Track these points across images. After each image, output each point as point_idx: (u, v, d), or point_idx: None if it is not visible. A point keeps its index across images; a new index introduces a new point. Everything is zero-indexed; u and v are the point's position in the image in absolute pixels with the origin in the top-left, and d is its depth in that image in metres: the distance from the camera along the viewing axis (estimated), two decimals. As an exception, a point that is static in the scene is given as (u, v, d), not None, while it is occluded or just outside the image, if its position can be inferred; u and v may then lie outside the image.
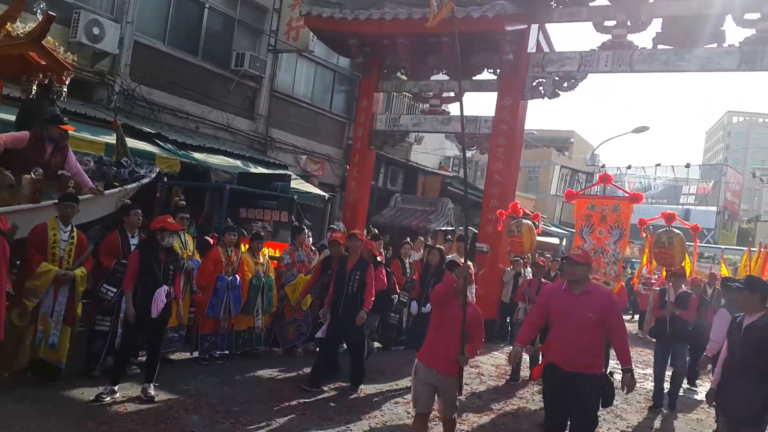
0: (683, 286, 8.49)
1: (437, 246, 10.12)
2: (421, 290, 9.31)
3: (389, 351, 9.84)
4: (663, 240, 8.37)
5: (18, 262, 5.83)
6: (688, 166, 38.44)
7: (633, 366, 4.74)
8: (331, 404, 6.63)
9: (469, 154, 29.98)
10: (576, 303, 4.75)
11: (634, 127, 27.84)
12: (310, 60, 16.73)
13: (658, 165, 40.03)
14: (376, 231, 11.02)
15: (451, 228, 16.23)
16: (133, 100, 12.00)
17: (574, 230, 9.11)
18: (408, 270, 10.21)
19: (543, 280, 9.63)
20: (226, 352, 7.91)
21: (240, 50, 14.30)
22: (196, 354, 7.71)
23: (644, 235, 9.92)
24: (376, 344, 9.91)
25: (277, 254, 9.41)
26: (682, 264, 9.07)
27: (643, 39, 39.83)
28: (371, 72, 13.98)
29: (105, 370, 6.31)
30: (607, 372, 8.47)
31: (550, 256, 16.29)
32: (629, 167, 39.71)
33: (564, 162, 34.79)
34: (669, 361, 8.34)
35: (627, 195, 8.45)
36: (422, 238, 13.03)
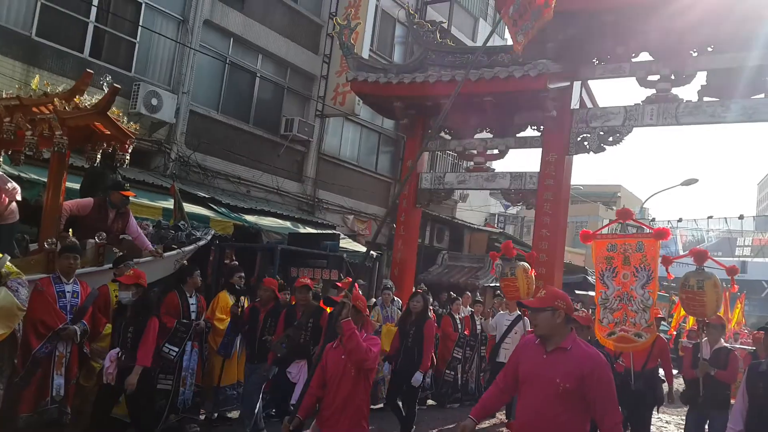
0: (721, 340, 7.14)
1: (419, 291, 8.67)
2: (400, 343, 7.71)
3: (443, 408, 9.73)
4: (691, 284, 6.89)
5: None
6: (741, 217, 37.33)
7: None
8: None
9: (514, 210, 29.96)
10: (545, 364, 3.57)
11: (683, 179, 27.41)
12: (356, 123, 17.21)
13: (710, 217, 39.08)
14: (425, 288, 11.04)
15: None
16: (188, 166, 12.51)
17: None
18: (459, 326, 10.17)
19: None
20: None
21: (289, 116, 14.84)
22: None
23: (672, 277, 8.56)
24: (430, 401, 9.81)
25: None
26: (719, 313, 7.77)
27: (687, 92, 39.73)
28: (416, 132, 14.25)
29: (167, 428, 6.47)
30: None
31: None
32: (680, 220, 38.83)
33: (612, 216, 34.30)
34: None
35: (651, 231, 7.56)
36: (470, 294, 12.96)
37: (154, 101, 11.47)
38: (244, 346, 7.43)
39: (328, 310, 6.53)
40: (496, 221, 28.00)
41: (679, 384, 8.81)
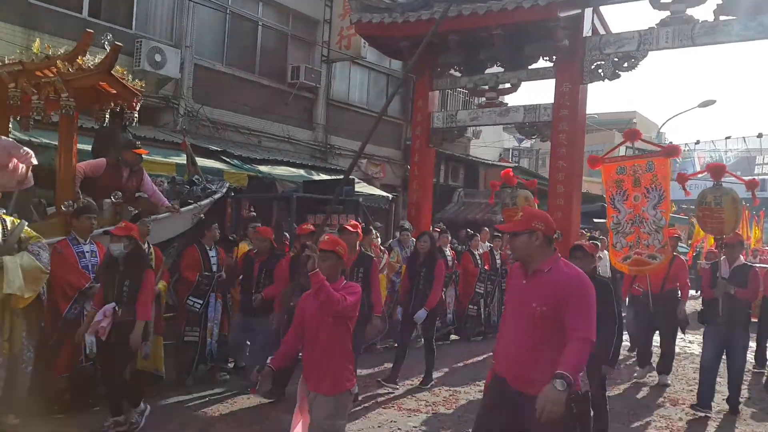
0: (741, 258, 6.92)
1: (428, 231, 8.51)
2: (410, 285, 7.42)
3: (468, 342, 9.89)
4: (708, 200, 6.58)
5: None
6: (760, 135, 36.72)
7: (572, 379, 2.98)
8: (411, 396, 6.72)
9: (528, 143, 29.65)
10: (524, 289, 3.37)
11: (700, 101, 26.84)
12: (363, 66, 16.94)
13: (728, 138, 38.48)
14: (444, 226, 11.06)
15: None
16: (197, 120, 12.45)
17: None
18: (479, 261, 10.22)
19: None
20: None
21: (295, 63, 14.62)
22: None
23: (690, 194, 8.12)
24: (454, 336, 9.97)
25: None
26: (738, 231, 7.56)
27: (703, 12, 38.43)
28: (424, 72, 13.98)
29: (198, 378, 6.67)
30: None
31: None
32: (698, 142, 38.35)
33: (628, 144, 33.80)
34: (723, 354, 6.76)
35: (660, 149, 7.32)
36: (487, 229, 12.97)
37: (158, 57, 11.34)
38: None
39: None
40: (510, 156, 27.78)
41: (698, 304, 8.90)
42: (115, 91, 6.43)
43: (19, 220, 5.30)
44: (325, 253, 3.82)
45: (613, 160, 7.64)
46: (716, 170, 6.69)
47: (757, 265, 13.48)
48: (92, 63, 6.11)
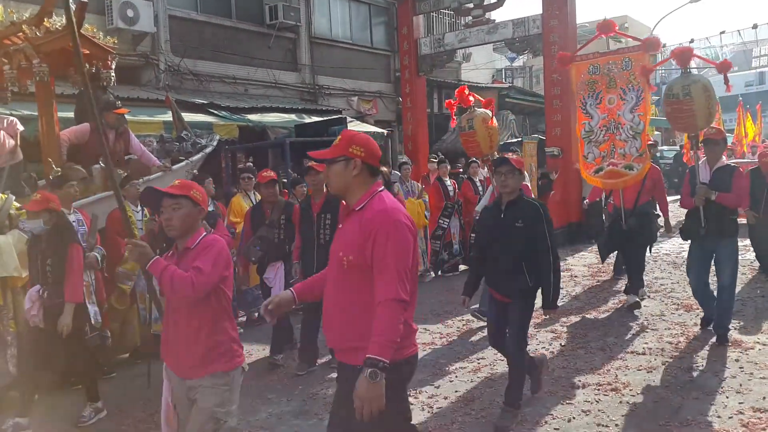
0: (723, 158, 5.86)
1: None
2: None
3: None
4: (676, 92, 5.59)
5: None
6: (755, 26, 35.82)
7: (385, 360, 2.37)
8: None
9: (521, 61, 29.04)
10: (338, 235, 2.75)
11: (692, -3, 26.03)
12: (343, -2, 16.36)
13: (723, 32, 37.58)
14: (443, 156, 10.91)
15: (516, 140, 15.84)
16: (180, 74, 12.12)
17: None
18: (480, 188, 10.08)
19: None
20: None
21: (271, 2, 14.10)
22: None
23: (655, 89, 7.33)
24: (462, 267, 9.92)
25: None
26: (716, 125, 6.46)
27: None
28: (406, -4, 13.55)
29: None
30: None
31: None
32: (692, 41, 37.47)
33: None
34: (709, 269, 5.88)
35: (640, 43, 6.30)
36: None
37: (130, 12, 10.93)
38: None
39: None
40: (503, 76, 27.26)
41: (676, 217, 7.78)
42: (87, 52, 6.16)
43: (6, 196, 5.16)
44: (175, 199, 2.94)
45: (584, 58, 6.80)
46: (681, 55, 5.66)
47: (743, 161, 13.02)
48: (60, 24, 5.84)
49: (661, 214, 7.37)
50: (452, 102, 7.28)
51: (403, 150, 14.84)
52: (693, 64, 6.39)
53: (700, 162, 5.78)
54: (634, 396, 4.62)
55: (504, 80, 25.78)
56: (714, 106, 5.63)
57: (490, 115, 6.89)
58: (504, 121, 16.94)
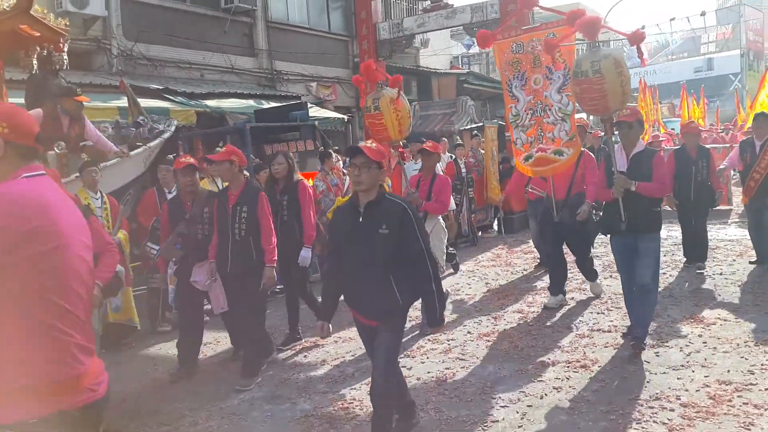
0: (641, 141, 5.20)
1: (282, 151, 6.43)
2: (274, 220, 5.36)
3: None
4: (584, 68, 4.76)
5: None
6: (703, 14, 36.83)
7: None
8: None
9: (476, 48, 29.16)
10: None
11: (643, -17, 26.44)
12: (299, -18, 16.12)
13: (673, 19, 38.46)
14: (405, 142, 10.86)
15: (476, 125, 15.93)
16: (133, 59, 11.77)
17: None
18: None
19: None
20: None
21: (227, -14, 13.79)
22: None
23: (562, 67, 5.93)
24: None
25: (310, 183, 9.34)
26: (631, 105, 6.07)
27: None
28: (364, -20, 13.43)
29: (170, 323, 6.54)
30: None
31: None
32: (643, 27, 38.23)
33: (577, 37, 33.50)
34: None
35: (564, 17, 5.31)
36: (446, 140, 12.82)
37: (80, -5, 10.54)
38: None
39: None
40: (461, 63, 27.36)
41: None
42: (38, 34, 5.92)
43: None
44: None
45: (506, 36, 6.20)
46: (588, 26, 4.81)
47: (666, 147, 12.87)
48: (8, 4, 5.59)
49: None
50: (359, 78, 6.29)
51: (363, 136, 14.75)
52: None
53: (615, 147, 5.19)
54: (603, 372, 4.69)
55: (461, 66, 25.87)
56: (627, 84, 4.84)
57: (397, 95, 5.99)
58: (463, 107, 16.96)
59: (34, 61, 6.29)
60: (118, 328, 6.04)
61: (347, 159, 8.78)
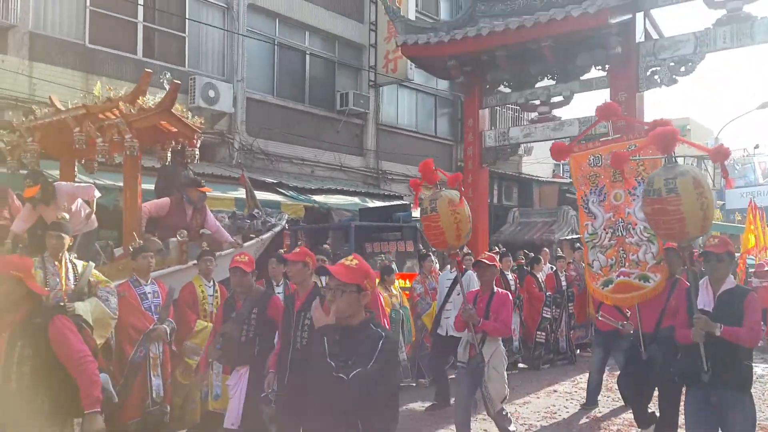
0: (731, 277, 4.40)
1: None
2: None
3: (537, 370, 9.51)
4: (657, 187, 4.16)
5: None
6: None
7: None
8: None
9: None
10: None
11: (759, 104, 25.81)
12: (410, 88, 16.90)
13: (790, 139, 36.94)
14: (504, 249, 10.80)
15: (577, 236, 15.63)
16: (252, 153, 12.56)
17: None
18: (542, 285, 9.88)
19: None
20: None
21: (343, 90, 14.68)
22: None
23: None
24: (521, 365, 9.63)
25: (408, 285, 9.38)
26: (717, 234, 5.31)
27: (761, 8, 37.27)
28: (473, 90, 13.82)
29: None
30: None
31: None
32: (757, 146, 36.97)
33: (684, 151, 32.79)
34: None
35: (647, 127, 4.81)
36: (547, 250, 12.60)
37: (211, 93, 11.49)
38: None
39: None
40: (562, 171, 27.23)
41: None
42: (175, 130, 6.46)
43: (87, 263, 5.30)
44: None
45: (583, 148, 5.77)
46: (662, 138, 4.25)
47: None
48: (152, 102, 6.15)
49: None
50: (418, 181, 5.76)
51: (462, 239, 14.79)
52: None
53: (701, 282, 4.47)
54: None
55: (563, 174, 25.72)
56: (710, 208, 4.21)
57: (459, 197, 5.47)
58: (564, 217, 16.79)
59: (169, 154, 6.84)
60: (216, 416, 6.08)
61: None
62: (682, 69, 11.51)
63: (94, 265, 5.47)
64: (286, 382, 4.55)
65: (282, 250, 7.58)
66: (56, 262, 5.02)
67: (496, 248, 10.94)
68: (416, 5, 15.65)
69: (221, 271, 6.48)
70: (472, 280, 7.20)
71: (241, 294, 5.15)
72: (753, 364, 4.33)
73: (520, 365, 9.66)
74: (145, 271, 5.61)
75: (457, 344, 5.73)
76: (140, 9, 11.27)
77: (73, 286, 5.04)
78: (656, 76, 11.68)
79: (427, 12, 16.87)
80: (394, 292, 8.29)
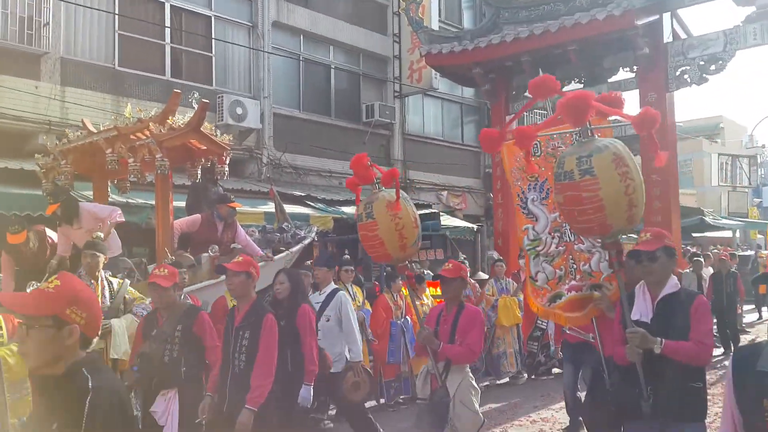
0: (673, 278, 3.53)
1: (284, 268, 6.05)
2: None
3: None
4: (568, 169, 3.34)
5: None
6: None
7: None
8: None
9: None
10: None
11: (793, 97, 25.19)
12: (436, 97, 16.93)
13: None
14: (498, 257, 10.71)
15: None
16: (280, 168, 12.69)
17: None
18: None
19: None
20: (409, 395, 7.90)
21: (368, 102, 14.76)
22: (383, 401, 7.77)
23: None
24: (556, 369, 9.48)
25: (439, 293, 9.34)
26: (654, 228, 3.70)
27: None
28: (499, 96, 13.79)
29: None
30: None
31: (717, 250, 14.44)
32: (791, 143, 36.07)
33: (718, 149, 32.22)
34: None
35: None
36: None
37: (239, 110, 11.65)
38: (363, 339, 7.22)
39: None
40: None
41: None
42: (205, 147, 6.57)
43: (123, 280, 5.40)
44: None
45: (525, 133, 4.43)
46: (573, 107, 3.36)
47: None
48: (182, 122, 6.27)
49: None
50: (354, 180, 4.68)
51: (493, 245, 14.69)
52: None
53: (636, 288, 3.60)
54: None
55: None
56: (637, 191, 3.36)
57: (394, 198, 4.34)
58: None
59: (199, 171, 6.95)
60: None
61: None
62: (713, 67, 11.36)
63: (129, 282, 5.58)
64: (225, 409, 4.12)
65: (308, 262, 7.62)
66: (92, 280, 5.12)
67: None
68: (439, 15, 15.68)
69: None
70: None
71: (163, 310, 4.55)
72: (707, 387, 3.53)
73: (556, 370, 9.48)
74: (178, 287, 5.68)
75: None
76: (167, 31, 11.51)
77: (109, 304, 5.15)
78: (686, 76, 11.53)
79: (451, 21, 16.90)
80: (425, 300, 8.30)
